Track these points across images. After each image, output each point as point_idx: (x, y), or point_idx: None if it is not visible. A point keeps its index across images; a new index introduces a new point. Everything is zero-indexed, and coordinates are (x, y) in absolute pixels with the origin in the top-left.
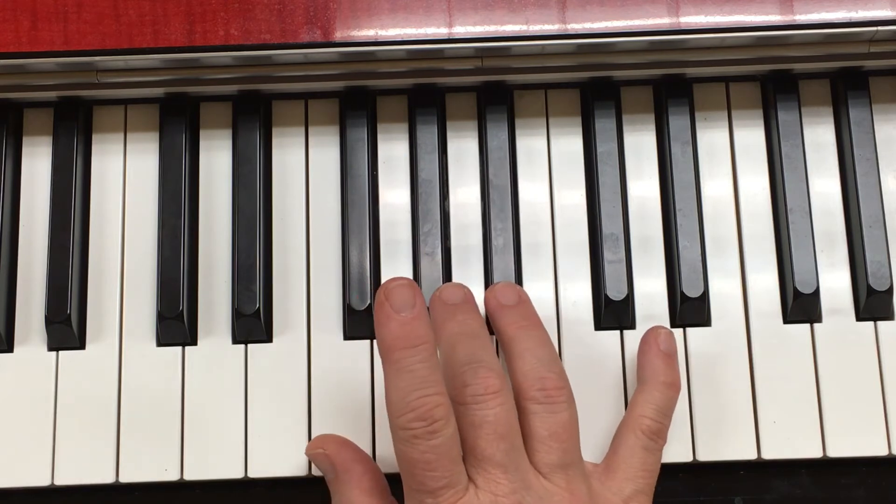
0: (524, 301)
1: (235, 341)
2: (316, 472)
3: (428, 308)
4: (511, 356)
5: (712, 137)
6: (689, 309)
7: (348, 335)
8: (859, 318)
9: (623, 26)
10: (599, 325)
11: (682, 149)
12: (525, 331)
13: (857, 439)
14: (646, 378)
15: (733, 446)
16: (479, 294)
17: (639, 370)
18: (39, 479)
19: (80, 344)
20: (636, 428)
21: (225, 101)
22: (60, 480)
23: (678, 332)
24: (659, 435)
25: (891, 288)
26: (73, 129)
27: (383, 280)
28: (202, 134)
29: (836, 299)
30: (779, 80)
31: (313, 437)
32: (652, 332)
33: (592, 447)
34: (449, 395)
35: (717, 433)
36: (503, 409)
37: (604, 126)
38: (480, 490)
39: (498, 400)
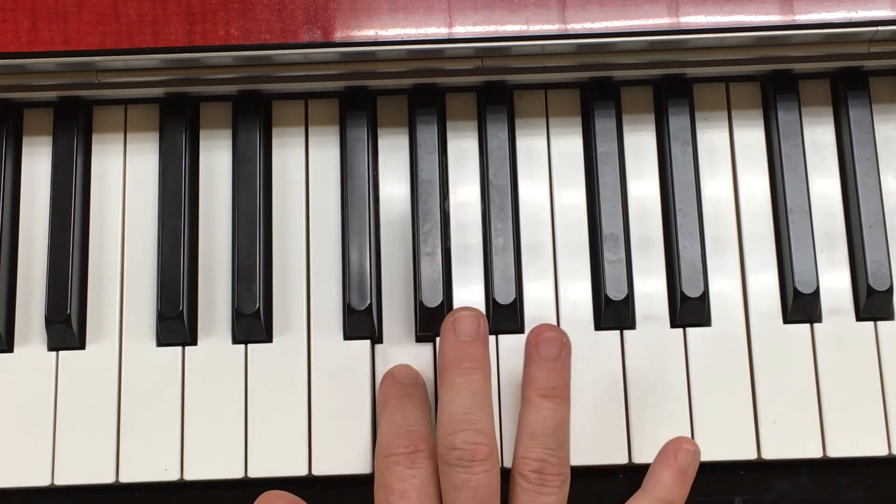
0: (563, 362)
1: (235, 341)
2: (317, 471)
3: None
4: (524, 422)
5: (712, 137)
6: (689, 309)
7: (348, 335)
8: (859, 318)
9: (623, 26)
10: (599, 325)
11: (682, 149)
12: (548, 403)
13: (857, 439)
14: (648, 487)
15: (733, 446)
16: (479, 291)
17: (647, 475)
18: (39, 479)
19: (80, 344)
20: None
21: (225, 101)
22: (60, 480)
23: (678, 332)
24: None
25: (891, 288)
26: (73, 129)
27: (383, 280)
28: (202, 134)
29: (836, 299)
30: (779, 80)
31: (314, 436)
32: (674, 443)
33: (591, 447)
34: (437, 450)
35: (717, 433)
36: (487, 476)
37: (604, 126)
38: None
39: (483, 467)
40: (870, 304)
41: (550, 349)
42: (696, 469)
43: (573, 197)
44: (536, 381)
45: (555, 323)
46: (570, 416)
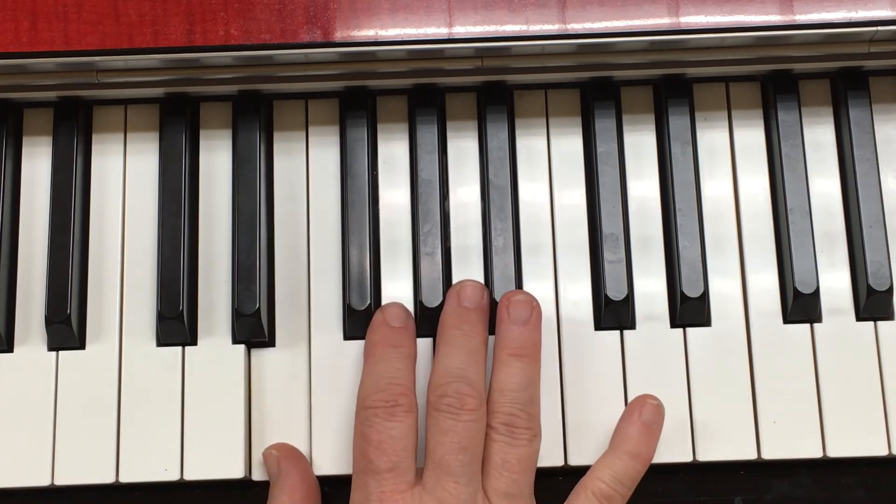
0: (532, 324)
1: (235, 341)
2: (318, 471)
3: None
4: (495, 380)
5: (712, 137)
6: (689, 309)
7: (348, 335)
8: (859, 318)
9: (623, 26)
10: (599, 325)
11: (682, 149)
12: (518, 361)
13: (857, 439)
14: (614, 443)
15: (733, 446)
16: None
17: (613, 434)
18: (39, 479)
19: (80, 344)
20: (588, 488)
21: (225, 101)
22: (60, 480)
23: (678, 332)
24: (610, 501)
25: (891, 288)
26: (73, 129)
27: (383, 281)
28: (202, 134)
29: (836, 299)
30: (779, 80)
31: (314, 436)
32: (638, 400)
33: (591, 447)
34: (427, 398)
35: (717, 433)
36: (473, 425)
37: (604, 126)
38: (427, 493)
39: (470, 416)
40: (870, 304)
41: (521, 311)
42: (661, 424)
43: (573, 197)
44: (506, 340)
45: (555, 323)
46: (568, 406)
